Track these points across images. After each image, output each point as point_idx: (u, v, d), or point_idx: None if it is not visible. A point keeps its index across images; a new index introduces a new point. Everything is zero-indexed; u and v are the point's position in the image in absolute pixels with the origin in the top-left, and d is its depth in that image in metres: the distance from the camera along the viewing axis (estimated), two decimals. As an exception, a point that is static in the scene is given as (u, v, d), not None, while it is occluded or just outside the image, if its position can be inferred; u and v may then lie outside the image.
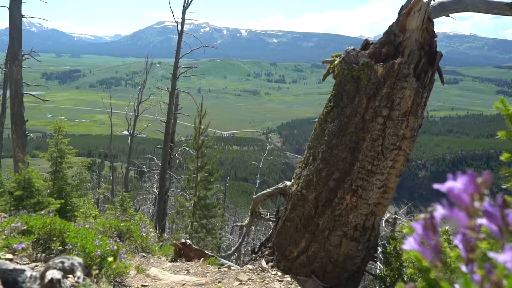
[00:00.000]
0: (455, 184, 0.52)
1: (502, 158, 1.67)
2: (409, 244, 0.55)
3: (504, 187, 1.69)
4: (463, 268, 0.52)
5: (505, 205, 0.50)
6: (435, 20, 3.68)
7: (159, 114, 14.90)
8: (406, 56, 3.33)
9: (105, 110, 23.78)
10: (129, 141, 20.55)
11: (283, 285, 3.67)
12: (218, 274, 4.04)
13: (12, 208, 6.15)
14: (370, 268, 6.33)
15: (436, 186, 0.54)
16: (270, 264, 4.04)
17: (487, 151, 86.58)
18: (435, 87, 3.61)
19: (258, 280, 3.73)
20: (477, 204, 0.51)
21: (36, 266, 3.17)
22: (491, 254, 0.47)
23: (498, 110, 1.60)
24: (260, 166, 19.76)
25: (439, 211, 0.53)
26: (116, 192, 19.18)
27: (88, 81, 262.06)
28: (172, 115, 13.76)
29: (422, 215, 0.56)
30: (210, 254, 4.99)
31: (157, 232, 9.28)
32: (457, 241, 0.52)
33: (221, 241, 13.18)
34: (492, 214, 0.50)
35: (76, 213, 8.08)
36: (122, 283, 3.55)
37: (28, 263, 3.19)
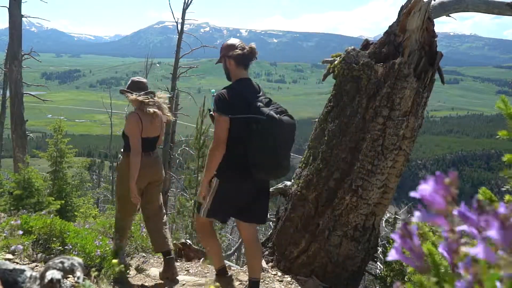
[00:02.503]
0: (425, 188, 0.52)
1: (504, 159, 1.66)
2: (392, 255, 0.56)
3: (504, 189, 1.69)
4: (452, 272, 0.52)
5: (480, 209, 0.50)
6: (435, 20, 3.68)
7: (159, 114, 14.88)
8: (406, 56, 3.33)
9: (105, 110, 23.78)
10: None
11: (283, 285, 3.67)
12: (218, 274, 4.04)
13: (12, 208, 6.16)
14: (370, 268, 6.32)
15: (411, 194, 0.54)
16: (270, 264, 4.04)
17: (487, 151, 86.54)
18: (435, 87, 3.61)
19: (258, 280, 3.72)
20: (450, 205, 0.51)
21: (36, 266, 3.17)
22: (465, 249, 0.48)
23: (499, 110, 1.60)
24: (260, 166, 19.73)
25: (416, 214, 0.53)
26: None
27: (88, 81, 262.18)
28: (172, 115, 13.75)
29: (398, 225, 0.56)
30: (210, 254, 4.98)
31: (157, 232, 9.26)
32: (440, 248, 0.52)
33: (221, 241, 13.19)
34: (470, 218, 0.50)
35: (76, 213, 8.08)
36: (122, 283, 3.55)
37: (28, 263, 3.19)
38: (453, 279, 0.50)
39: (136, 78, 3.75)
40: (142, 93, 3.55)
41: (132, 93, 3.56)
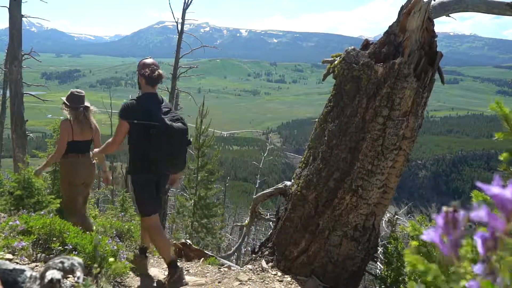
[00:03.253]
0: (504, 192, 0.51)
1: (500, 157, 1.68)
2: (429, 236, 0.55)
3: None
4: (475, 268, 0.51)
5: None
6: (435, 20, 3.68)
7: (159, 114, 14.87)
8: (406, 56, 3.33)
9: (105, 110, 23.76)
10: (129, 141, 20.49)
11: (283, 285, 3.67)
12: (218, 274, 4.04)
13: (12, 208, 6.15)
14: (370, 268, 6.32)
15: (479, 184, 0.53)
16: (270, 264, 4.04)
17: (487, 151, 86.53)
18: (435, 87, 3.61)
19: (258, 280, 3.73)
20: None
21: (36, 266, 3.17)
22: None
23: (495, 112, 1.61)
24: (260, 166, 19.77)
25: (476, 212, 0.52)
26: (116, 192, 19.17)
27: (88, 81, 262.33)
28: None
29: (445, 208, 0.55)
30: (210, 254, 5.00)
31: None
32: (476, 236, 0.52)
33: (221, 241, 13.18)
34: None
35: (76, 213, 8.05)
36: (122, 283, 3.54)
37: (28, 263, 3.18)
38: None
39: (75, 91, 4.50)
40: (80, 106, 4.42)
41: (67, 104, 4.41)
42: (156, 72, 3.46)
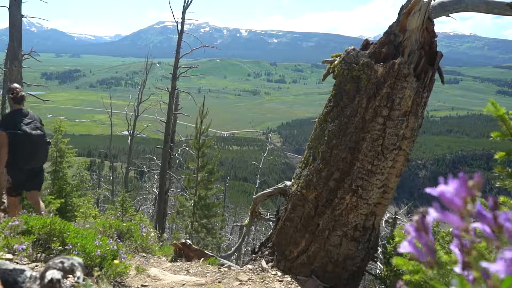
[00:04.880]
0: (447, 188, 0.52)
1: (496, 157, 1.69)
2: (404, 247, 0.56)
3: (497, 185, 1.71)
4: (458, 270, 0.52)
5: (496, 207, 0.50)
6: (435, 20, 3.68)
7: (159, 114, 14.90)
8: (406, 56, 3.33)
9: (105, 110, 23.78)
10: (129, 141, 20.55)
11: (283, 285, 3.67)
12: (218, 274, 4.04)
13: (12, 208, 6.14)
14: (370, 268, 6.32)
15: (427, 190, 0.54)
16: (270, 264, 4.04)
17: (487, 151, 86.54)
18: (435, 87, 3.61)
19: (258, 280, 3.73)
20: (469, 206, 0.51)
21: (36, 266, 3.16)
22: (484, 264, 0.48)
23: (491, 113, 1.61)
24: (260, 166, 19.78)
25: (432, 214, 0.53)
26: (116, 192, 19.19)
27: (88, 81, 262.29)
28: (172, 115, 13.74)
29: (414, 217, 0.56)
30: (210, 254, 4.99)
31: (157, 232, 9.27)
32: (452, 246, 0.52)
33: (221, 241, 13.19)
34: (485, 216, 0.50)
35: (76, 213, 8.07)
36: (122, 283, 3.54)
37: (28, 263, 3.18)
38: (463, 279, 0.50)
39: None
40: None
41: None
42: (19, 94, 4.73)
